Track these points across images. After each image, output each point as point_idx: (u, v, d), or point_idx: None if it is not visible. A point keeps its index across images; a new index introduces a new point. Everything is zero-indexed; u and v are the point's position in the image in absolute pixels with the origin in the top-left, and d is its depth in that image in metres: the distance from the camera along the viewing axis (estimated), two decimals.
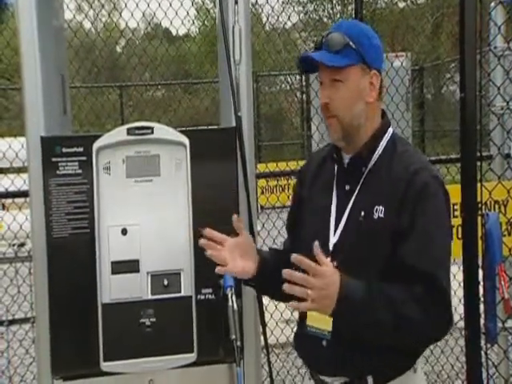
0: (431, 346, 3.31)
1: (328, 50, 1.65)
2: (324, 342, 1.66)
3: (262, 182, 5.59)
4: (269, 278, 1.71)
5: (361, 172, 1.68)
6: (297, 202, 1.88)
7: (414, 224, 1.56)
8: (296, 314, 1.91)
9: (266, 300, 2.10)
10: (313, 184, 1.81)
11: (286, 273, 1.45)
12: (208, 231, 1.73)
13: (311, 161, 1.92)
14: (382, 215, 1.60)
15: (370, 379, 1.64)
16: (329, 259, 1.62)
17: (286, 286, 1.45)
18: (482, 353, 2.30)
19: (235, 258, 1.72)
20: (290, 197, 1.99)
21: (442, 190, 1.64)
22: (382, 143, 1.70)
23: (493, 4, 2.95)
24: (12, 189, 3.60)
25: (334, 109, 1.67)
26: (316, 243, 1.48)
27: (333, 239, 1.67)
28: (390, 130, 1.73)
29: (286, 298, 1.60)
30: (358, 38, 1.67)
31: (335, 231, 1.67)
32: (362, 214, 1.63)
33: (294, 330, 1.90)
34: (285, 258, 1.64)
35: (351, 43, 1.65)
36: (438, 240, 1.58)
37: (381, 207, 1.60)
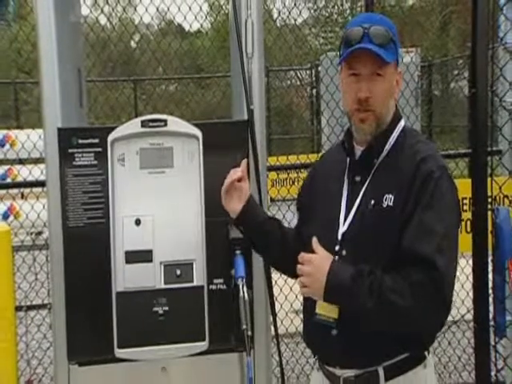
0: (438, 338, 3.34)
1: (373, 43, 1.61)
2: (334, 331, 1.66)
3: (272, 175, 5.59)
4: (255, 229, 1.90)
5: (372, 163, 1.69)
6: (307, 194, 1.90)
7: (415, 211, 1.57)
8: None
9: (275, 290, 2.14)
10: (326, 177, 1.83)
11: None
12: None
13: (326, 157, 1.96)
14: (391, 203, 1.61)
15: (380, 371, 1.64)
16: (338, 248, 1.67)
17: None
18: (490, 346, 2.32)
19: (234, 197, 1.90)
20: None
21: (447, 179, 1.63)
22: (393, 135, 1.71)
23: (503, 0, 2.94)
24: (30, 179, 3.67)
25: (374, 103, 1.65)
26: (314, 239, 1.65)
27: (342, 229, 1.69)
28: (402, 123, 1.74)
29: (276, 263, 1.97)
30: (395, 35, 1.66)
31: (345, 221, 1.69)
32: (372, 202, 1.64)
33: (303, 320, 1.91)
34: (285, 229, 1.93)
35: (393, 39, 1.65)
36: (439, 227, 1.56)
37: (390, 195, 1.61)
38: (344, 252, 1.66)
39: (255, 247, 1.96)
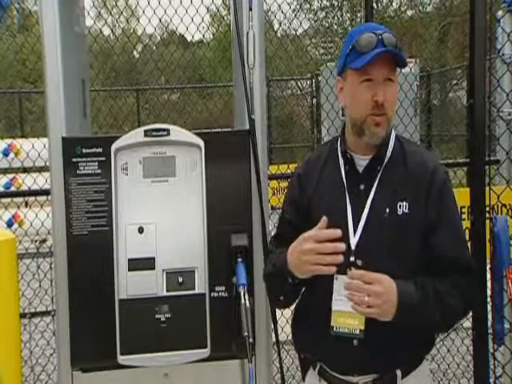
0: (437, 345, 3.37)
1: (388, 48, 1.62)
2: (355, 342, 1.65)
3: (273, 183, 5.61)
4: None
5: (375, 171, 1.71)
6: (298, 209, 1.82)
7: (442, 217, 1.67)
8: None
9: None
10: (318, 187, 1.79)
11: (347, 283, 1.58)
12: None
13: (310, 165, 1.88)
14: (406, 210, 1.66)
15: (398, 372, 1.68)
16: (352, 258, 1.66)
17: (347, 294, 1.57)
18: (489, 353, 2.34)
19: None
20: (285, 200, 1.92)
21: (451, 185, 1.77)
22: (390, 143, 1.74)
23: (500, 12, 2.99)
24: (34, 187, 3.71)
25: (388, 107, 1.67)
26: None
27: (354, 239, 1.67)
28: (393, 131, 1.78)
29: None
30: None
31: (355, 231, 1.68)
32: (387, 210, 1.66)
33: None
34: None
35: (399, 46, 1.68)
36: (462, 231, 1.75)
37: (404, 203, 1.66)
38: (359, 262, 1.66)
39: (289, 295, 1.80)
